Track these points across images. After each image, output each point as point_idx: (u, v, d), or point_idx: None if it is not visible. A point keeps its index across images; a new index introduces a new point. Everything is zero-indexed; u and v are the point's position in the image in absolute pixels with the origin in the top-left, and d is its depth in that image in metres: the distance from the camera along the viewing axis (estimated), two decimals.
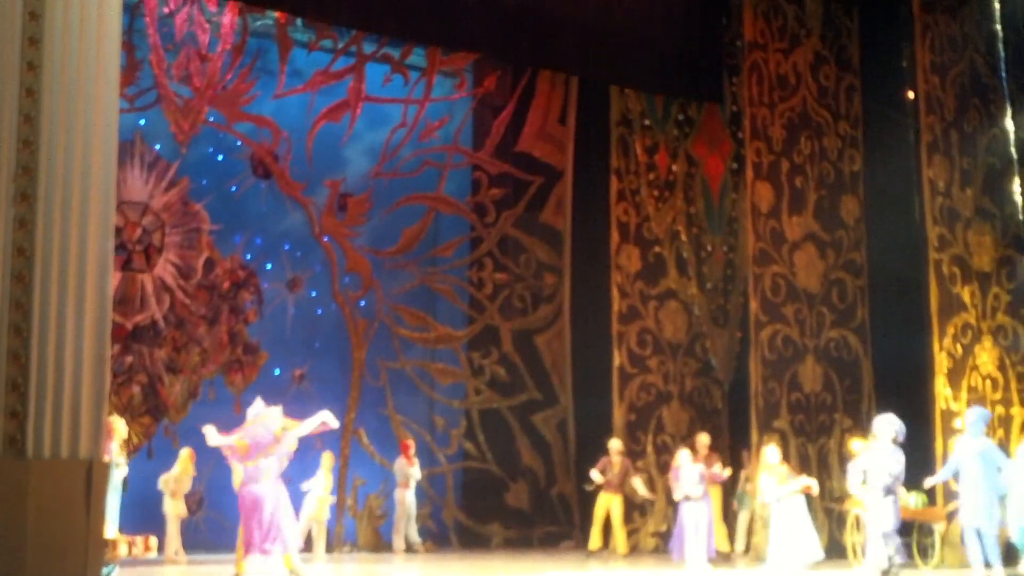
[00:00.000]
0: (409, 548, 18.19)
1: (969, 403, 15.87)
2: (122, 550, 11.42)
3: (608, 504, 17.87)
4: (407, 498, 18.36)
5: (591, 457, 18.29)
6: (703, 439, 17.75)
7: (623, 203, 19.65)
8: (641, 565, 16.29)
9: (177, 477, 16.32)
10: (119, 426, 12.61)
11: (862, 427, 16.39)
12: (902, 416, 16.65)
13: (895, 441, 13.38)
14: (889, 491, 13.27)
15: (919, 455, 15.74)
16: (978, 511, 13.50)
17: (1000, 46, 16.89)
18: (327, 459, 17.30)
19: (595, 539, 17.91)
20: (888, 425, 13.45)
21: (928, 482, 14.32)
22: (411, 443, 18.82)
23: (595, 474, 17.71)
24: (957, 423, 15.38)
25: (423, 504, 19.24)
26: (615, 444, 18.01)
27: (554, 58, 18.89)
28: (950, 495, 15.34)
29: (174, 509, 16.25)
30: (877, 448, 13.45)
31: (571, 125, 20.66)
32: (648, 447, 18.97)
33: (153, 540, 11.90)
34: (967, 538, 13.67)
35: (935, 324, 16.03)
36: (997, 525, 13.52)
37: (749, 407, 17.27)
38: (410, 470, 18.41)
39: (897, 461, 13.31)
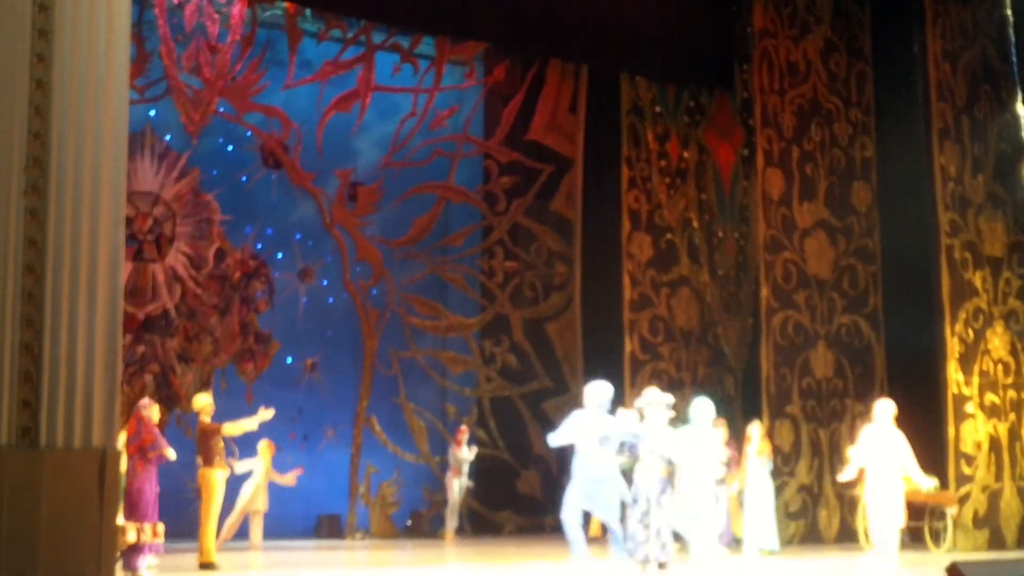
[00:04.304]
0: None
1: (981, 388, 15.87)
2: (131, 536, 11.45)
3: None
4: (455, 485, 18.41)
5: None
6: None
7: (634, 191, 19.65)
8: None
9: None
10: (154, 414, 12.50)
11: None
12: (914, 401, 16.75)
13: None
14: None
15: (931, 441, 15.78)
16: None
17: (1011, 32, 16.85)
18: (264, 446, 16.26)
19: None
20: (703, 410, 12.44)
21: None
22: (465, 430, 18.89)
23: None
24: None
25: (437, 491, 19.33)
26: None
27: (564, 48, 18.89)
28: (963, 480, 15.36)
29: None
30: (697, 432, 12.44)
31: (581, 114, 20.60)
32: None
33: (160, 527, 11.91)
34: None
35: (947, 310, 16.01)
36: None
37: (761, 394, 17.30)
38: (459, 454, 18.47)
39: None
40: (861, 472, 13.66)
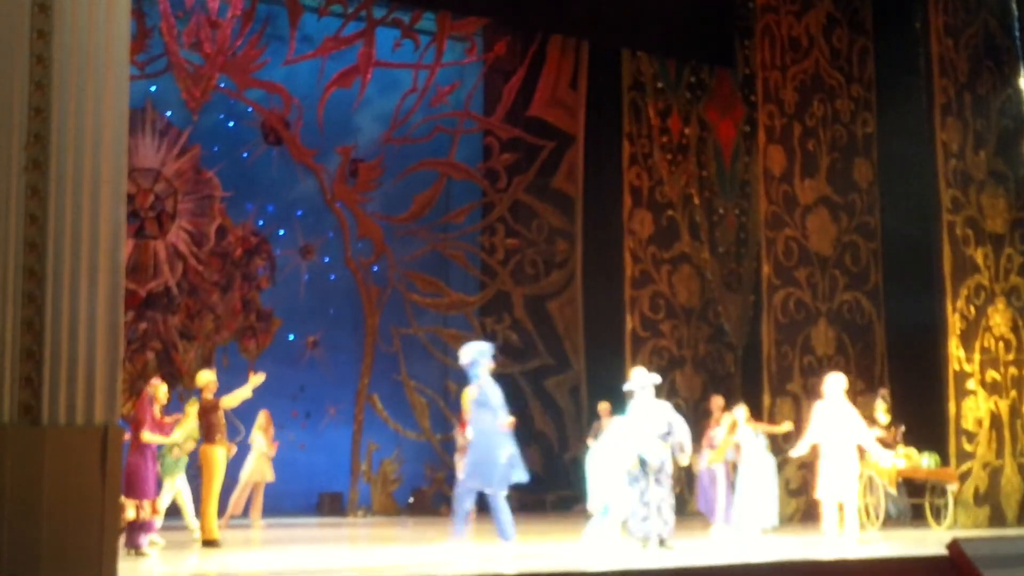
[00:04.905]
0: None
1: (982, 365, 15.86)
2: (130, 514, 11.45)
3: None
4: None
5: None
6: (718, 401, 17.61)
7: (635, 167, 19.62)
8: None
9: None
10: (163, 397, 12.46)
11: (874, 390, 16.42)
12: (915, 378, 16.74)
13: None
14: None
15: (932, 417, 15.79)
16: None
17: (1013, 7, 16.79)
18: (260, 416, 16.19)
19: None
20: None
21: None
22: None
23: (591, 443, 17.85)
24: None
25: (438, 468, 19.35)
26: (604, 406, 18.07)
27: (565, 23, 18.81)
28: (963, 456, 15.37)
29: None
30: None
31: (582, 90, 20.59)
32: None
33: (160, 504, 11.91)
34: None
35: (948, 286, 15.98)
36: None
37: (762, 371, 17.29)
38: (464, 438, 18.44)
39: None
40: (815, 448, 13.58)
